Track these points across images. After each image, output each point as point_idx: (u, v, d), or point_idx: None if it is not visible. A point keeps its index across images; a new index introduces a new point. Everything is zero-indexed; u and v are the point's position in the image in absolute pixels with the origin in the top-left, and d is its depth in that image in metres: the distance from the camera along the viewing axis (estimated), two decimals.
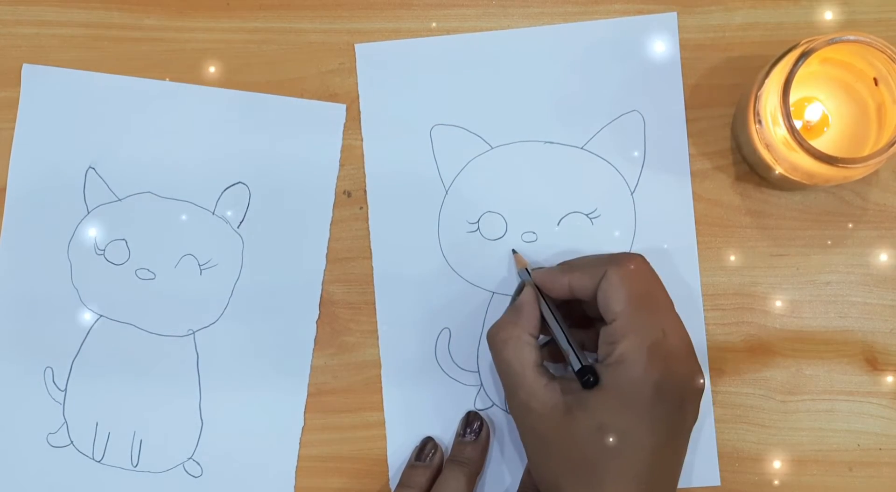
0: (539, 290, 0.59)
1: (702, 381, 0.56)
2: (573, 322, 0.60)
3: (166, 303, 0.64)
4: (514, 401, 0.58)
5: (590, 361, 0.56)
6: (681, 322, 0.57)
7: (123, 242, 0.65)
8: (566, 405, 0.55)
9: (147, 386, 0.64)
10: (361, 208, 0.64)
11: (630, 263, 0.57)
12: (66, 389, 0.64)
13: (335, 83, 0.65)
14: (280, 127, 0.65)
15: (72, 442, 0.64)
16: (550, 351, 0.61)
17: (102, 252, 0.65)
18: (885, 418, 0.62)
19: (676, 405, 0.55)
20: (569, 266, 0.59)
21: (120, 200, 0.65)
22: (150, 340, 0.64)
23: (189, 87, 0.65)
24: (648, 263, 0.58)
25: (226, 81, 0.65)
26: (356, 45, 0.65)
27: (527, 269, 0.61)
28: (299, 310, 0.64)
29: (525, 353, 0.57)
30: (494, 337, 0.59)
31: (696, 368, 0.56)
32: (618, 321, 0.55)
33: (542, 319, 0.59)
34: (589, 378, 0.55)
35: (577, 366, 0.56)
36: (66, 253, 0.65)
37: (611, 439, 0.53)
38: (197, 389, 0.64)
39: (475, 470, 0.61)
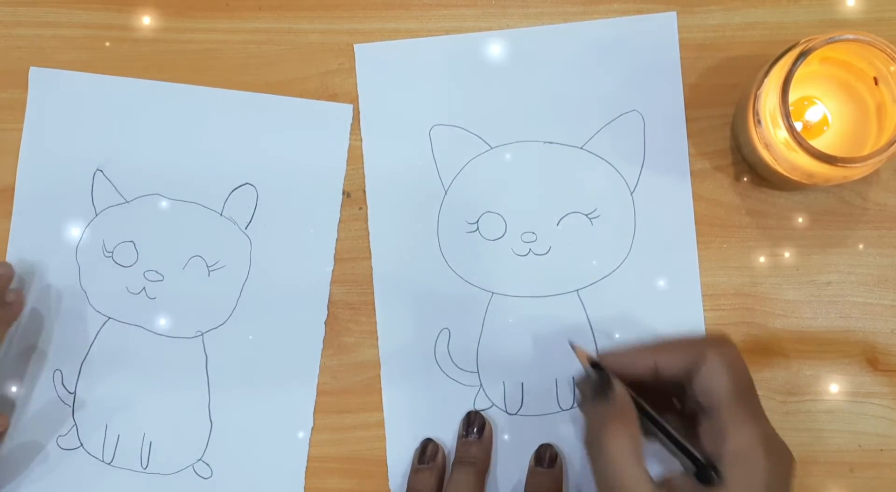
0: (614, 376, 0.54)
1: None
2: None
3: (175, 305, 0.65)
4: None
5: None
6: None
7: (131, 243, 0.65)
8: None
9: (156, 388, 0.65)
10: (361, 209, 0.65)
11: (728, 346, 0.53)
12: (75, 391, 0.65)
13: (335, 83, 0.65)
14: (287, 128, 0.65)
15: (81, 444, 0.65)
16: None
17: (111, 254, 0.65)
18: (886, 418, 0.62)
19: None
20: (650, 347, 0.55)
21: (128, 201, 0.66)
22: (159, 341, 0.65)
23: (199, 89, 0.65)
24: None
25: (225, 82, 0.65)
26: (355, 46, 0.65)
27: (593, 363, 0.55)
28: (308, 310, 0.64)
29: (638, 471, 0.51)
30: (602, 452, 0.52)
31: (792, 455, 0.52)
32: (726, 411, 0.51)
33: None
34: (712, 474, 0.51)
35: (688, 466, 0.52)
36: (74, 255, 0.65)
37: None
38: (206, 390, 0.65)
39: (483, 468, 0.62)
